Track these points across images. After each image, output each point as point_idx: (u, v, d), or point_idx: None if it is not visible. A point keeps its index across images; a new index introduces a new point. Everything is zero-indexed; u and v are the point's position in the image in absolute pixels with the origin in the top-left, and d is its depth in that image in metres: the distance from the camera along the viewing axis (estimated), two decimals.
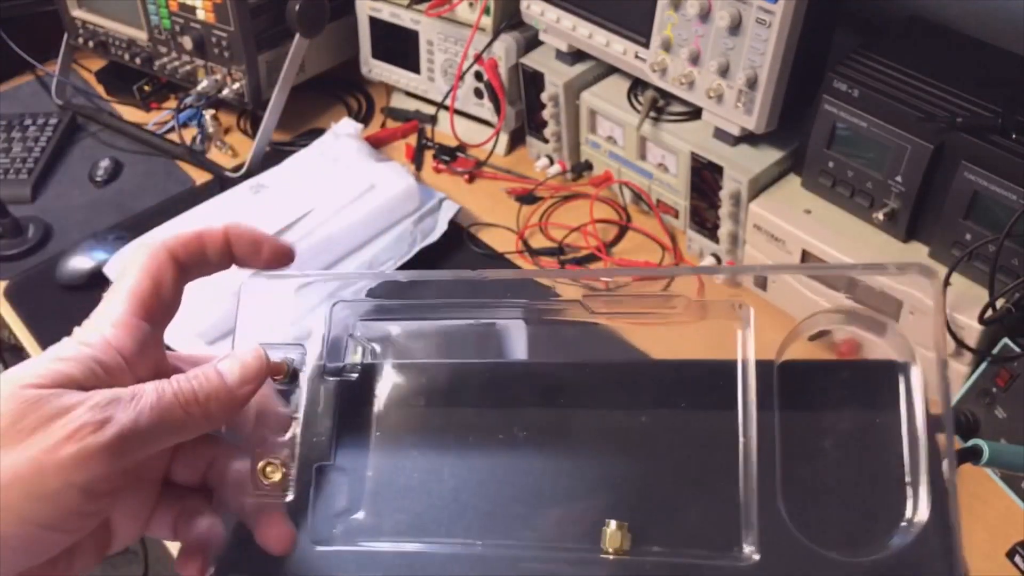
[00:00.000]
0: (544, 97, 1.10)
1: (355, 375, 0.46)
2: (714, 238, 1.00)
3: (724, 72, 0.91)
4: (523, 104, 1.17)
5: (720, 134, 0.96)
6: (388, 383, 0.46)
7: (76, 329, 0.38)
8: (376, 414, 0.46)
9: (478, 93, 1.20)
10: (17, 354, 1.61)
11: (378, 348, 0.47)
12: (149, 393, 0.35)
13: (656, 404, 0.44)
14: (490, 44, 1.14)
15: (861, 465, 0.42)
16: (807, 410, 0.44)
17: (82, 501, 0.33)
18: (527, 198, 1.15)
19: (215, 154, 1.28)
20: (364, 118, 1.33)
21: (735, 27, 0.88)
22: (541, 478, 0.43)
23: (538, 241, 1.10)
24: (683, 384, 0.45)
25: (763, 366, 0.43)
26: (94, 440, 0.33)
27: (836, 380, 0.45)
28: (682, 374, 0.45)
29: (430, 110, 1.27)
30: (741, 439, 0.41)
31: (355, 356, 0.46)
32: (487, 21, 1.14)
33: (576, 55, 1.08)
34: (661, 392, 0.45)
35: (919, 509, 0.39)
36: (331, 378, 0.45)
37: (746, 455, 0.41)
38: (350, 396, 0.45)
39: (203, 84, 1.26)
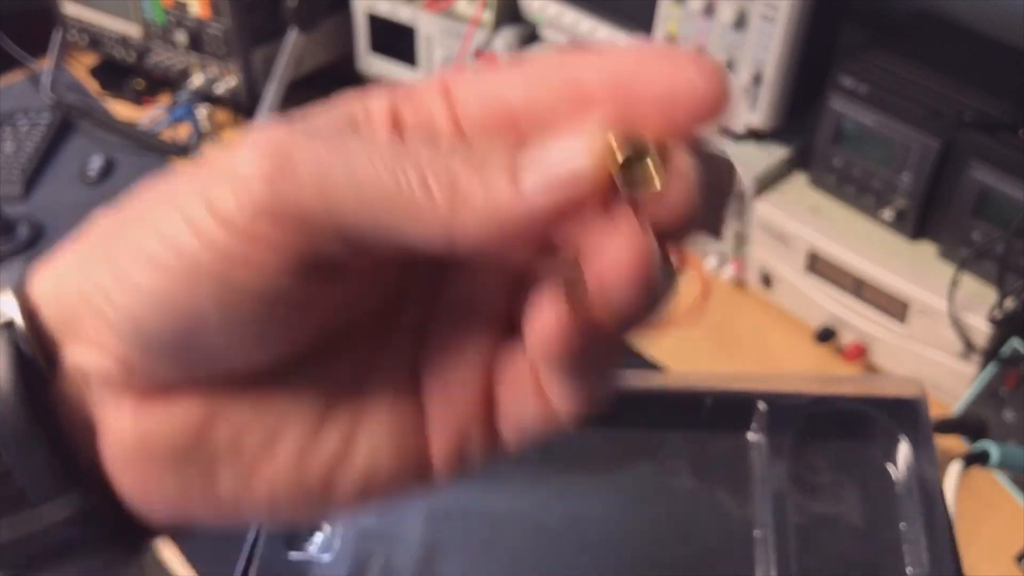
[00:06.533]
0: None
1: None
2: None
3: (729, 68, 0.90)
4: None
5: (724, 131, 0.95)
6: None
7: None
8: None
9: None
10: None
11: None
12: None
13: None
14: (490, 40, 1.13)
15: (863, 515, 0.42)
16: (810, 463, 0.44)
17: None
18: None
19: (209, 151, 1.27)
20: None
21: (740, 23, 0.87)
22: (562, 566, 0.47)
23: None
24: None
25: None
26: None
27: (837, 424, 0.45)
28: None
29: None
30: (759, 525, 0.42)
31: None
32: (487, 16, 1.13)
33: None
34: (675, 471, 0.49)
35: (921, 559, 0.38)
36: None
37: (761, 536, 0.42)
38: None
39: (197, 80, 1.24)
